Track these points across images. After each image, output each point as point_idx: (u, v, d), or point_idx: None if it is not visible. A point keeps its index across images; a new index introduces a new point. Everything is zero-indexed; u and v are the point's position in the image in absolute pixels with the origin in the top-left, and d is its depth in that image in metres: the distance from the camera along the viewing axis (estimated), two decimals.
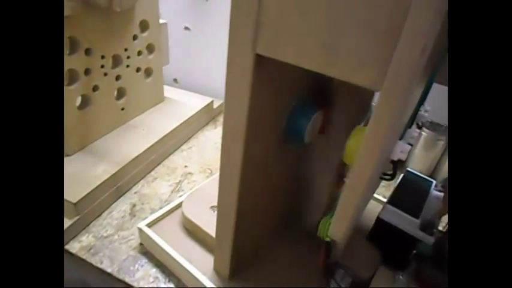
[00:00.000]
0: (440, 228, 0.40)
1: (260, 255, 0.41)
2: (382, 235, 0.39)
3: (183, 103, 0.68)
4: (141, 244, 0.44)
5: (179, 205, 0.47)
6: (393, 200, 0.40)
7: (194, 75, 0.84)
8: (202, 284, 0.37)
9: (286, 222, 0.46)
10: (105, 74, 0.52)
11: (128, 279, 0.40)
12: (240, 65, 0.24)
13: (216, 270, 0.39)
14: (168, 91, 0.70)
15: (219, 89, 0.81)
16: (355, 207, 0.25)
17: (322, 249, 0.38)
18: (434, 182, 0.45)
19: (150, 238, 0.42)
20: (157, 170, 0.58)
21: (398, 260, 0.40)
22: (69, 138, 0.50)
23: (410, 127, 0.34)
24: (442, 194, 0.43)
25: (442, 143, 0.60)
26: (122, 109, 0.58)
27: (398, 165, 0.35)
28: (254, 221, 0.38)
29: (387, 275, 0.40)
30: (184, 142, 0.65)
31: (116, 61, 0.54)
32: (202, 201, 0.46)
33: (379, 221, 0.40)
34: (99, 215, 0.48)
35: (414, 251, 0.38)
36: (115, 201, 0.50)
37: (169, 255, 0.40)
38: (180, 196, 0.52)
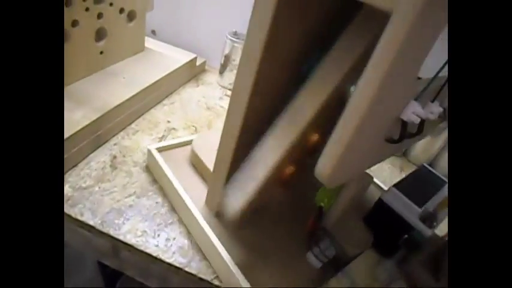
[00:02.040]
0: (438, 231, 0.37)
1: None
2: (379, 217, 0.37)
3: (164, 56, 0.63)
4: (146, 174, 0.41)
5: (188, 142, 0.47)
6: (400, 186, 0.38)
7: (174, 28, 0.78)
8: (191, 213, 0.37)
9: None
10: (87, 9, 0.46)
11: (112, 233, 0.37)
12: None
13: (207, 204, 0.39)
14: (148, 42, 0.65)
15: (201, 45, 0.76)
16: (347, 145, 0.22)
17: (314, 213, 0.37)
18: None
19: (157, 162, 0.42)
20: (138, 123, 0.53)
21: (388, 244, 0.37)
22: None
23: (433, 101, 0.32)
24: None
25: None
26: (101, 53, 0.52)
27: (406, 128, 0.34)
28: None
29: (372, 257, 0.38)
30: (166, 97, 0.61)
31: None
32: (213, 142, 0.44)
33: (379, 202, 0.38)
34: (76, 165, 0.43)
35: (406, 236, 0.36)
36: (93, 152, 0.46)
37: (170, 182, 0.40)
38: None
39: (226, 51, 0.66)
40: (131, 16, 0.56)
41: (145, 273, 0.39)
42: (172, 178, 0.41)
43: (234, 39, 0.64)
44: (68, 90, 0.47)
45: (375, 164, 0.35)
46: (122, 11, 0.53)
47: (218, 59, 0.72)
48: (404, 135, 0.34)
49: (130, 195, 0.42)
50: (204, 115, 0.60)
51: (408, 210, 0.35)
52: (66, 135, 0.40)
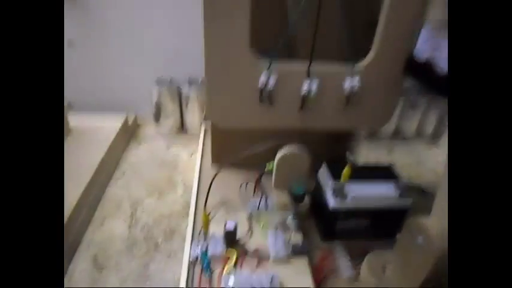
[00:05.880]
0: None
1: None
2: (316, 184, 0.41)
3: (95, 128, 0.60)
4: None
5: None
6: (333, 163, 0.40)
7: (89, 94, 0.72)
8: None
9: None
10: None
11: None
12: None
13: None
14: (70, 119, 0.60)
15: (122, 102, 0.73)
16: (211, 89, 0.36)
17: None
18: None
19: None
20: (101, 209, 0.51)
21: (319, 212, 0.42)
22: None
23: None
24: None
25: None
26: None
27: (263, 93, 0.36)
28: None
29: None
30: (115, 169, 0.59)
31: None
32: None
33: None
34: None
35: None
36: (70, 262, 0.43)
37: None
38: (143, 227, 0.48)
39: (155, 99, 0.65)
40: None
41: None
42: None
43: (159, 86, 0.64)
44: None
45: (268, 124, 0.40)
46: None
47: (144, 109, 0.70)
48: (261, 98, 0.38)
49: None
50: (160, 173, 0.59)
51: (326, 182, 0.39)
52: None
